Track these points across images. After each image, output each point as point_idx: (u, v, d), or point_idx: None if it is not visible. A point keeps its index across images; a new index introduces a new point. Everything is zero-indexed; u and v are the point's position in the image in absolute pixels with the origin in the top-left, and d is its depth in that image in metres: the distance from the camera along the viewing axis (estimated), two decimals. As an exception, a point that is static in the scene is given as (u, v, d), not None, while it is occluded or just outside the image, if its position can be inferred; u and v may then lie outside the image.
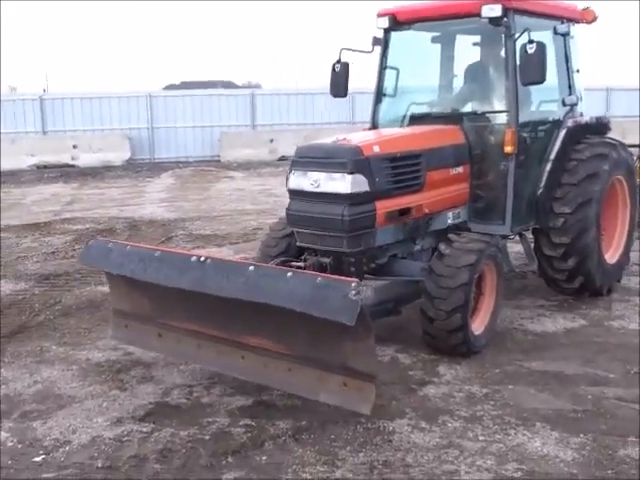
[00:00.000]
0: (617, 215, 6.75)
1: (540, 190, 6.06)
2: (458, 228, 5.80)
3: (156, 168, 19.94)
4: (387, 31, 6.30)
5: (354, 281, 3.52)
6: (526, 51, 5.24)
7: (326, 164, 4.85)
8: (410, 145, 5.28)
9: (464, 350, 4.94)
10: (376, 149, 4.93)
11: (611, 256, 6.58)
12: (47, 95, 22.35)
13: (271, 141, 21.53)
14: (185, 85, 34.24)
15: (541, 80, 5.27)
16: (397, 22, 6.20)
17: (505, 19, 5.50)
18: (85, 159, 21.06)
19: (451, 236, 5.07)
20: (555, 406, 4.22)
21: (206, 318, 4.34)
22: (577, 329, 5.65)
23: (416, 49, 6.53)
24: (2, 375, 4.91)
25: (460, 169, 5.72)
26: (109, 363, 5.06)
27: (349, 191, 4.75)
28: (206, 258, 4.18)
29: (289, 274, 3.76)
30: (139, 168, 20.02)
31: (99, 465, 3.60)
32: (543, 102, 6.39)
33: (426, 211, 5.36)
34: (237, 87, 31.40)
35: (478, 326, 5.14)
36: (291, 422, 4.02)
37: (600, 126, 6.68)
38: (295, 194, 5.08)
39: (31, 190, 16.44)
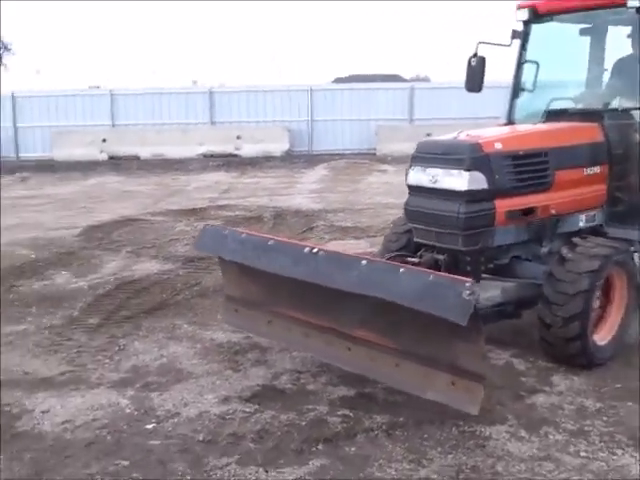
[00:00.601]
0: None
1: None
2: (593, 231, 5.49)
3: (313, 160, 20.46)
4: (527, 24, 6.06)
5: (468, 281, 3.46)
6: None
7: (444, 160, 4.79)
8: (537, 143, 5.06)
9: (583, 361, 4.68)
10: (498, 146, 4.79)
11: None
12: (216, 89, 23.62)
13: (427, 135, 21.33)
14: (352, 78, 34.76)
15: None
16: (537, 14, 5.95)
17: (653, 8, 5.10)
18: (247, 149, 22.03)
19: (576, 240, 4.81)
20: (676, 429, 3.90)
21: (315, 308, 4.45)
22: None
23: (557, 42, 6.21)
24: (135, 347, 5.33)
25: (597, 169, 5.39)
26: (229, 344, 5.33)
27: (466, 188, 4.66)
28: (318, 250, 4.28)
29: (401, 270, 3.76)
30: (296, 159, 20.65)
31: (200, 438, 3.83)
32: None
33: (553, 212, 5.11)
34: (403, 80, 31.37)
35: (603, 336, 4.85)
36: (388, 417, 4.04)
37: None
38: (414, 190, 5.06)
39: (196, 178, 17.52)
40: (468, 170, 4.65)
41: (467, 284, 3.38)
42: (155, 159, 21.62)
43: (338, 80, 35.42)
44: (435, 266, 4.95)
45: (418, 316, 3.60)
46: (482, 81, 6.16)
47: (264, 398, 4.35)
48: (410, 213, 5.11)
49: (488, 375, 3.74)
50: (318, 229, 10.07)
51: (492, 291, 5.38)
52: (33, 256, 8.68)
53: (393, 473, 3.45)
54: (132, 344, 5.41)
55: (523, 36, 6.13)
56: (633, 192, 5.47)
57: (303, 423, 4.00)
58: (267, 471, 3.48)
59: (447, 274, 3.75)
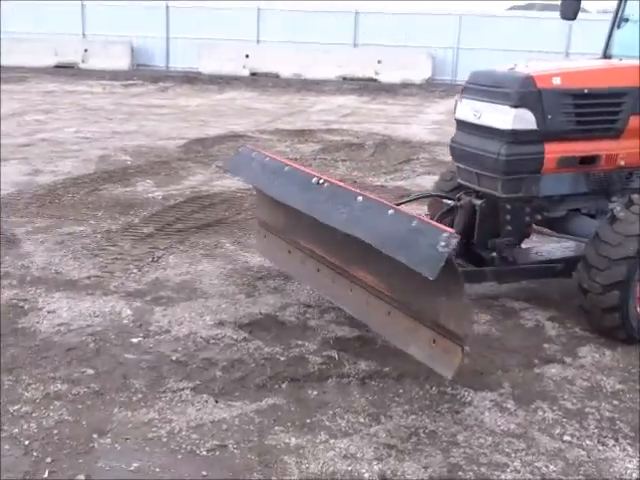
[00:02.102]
0: None
1: None
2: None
3: (452, 90, 19.44)
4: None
5: (448, 231, 3.05)
6: None
7: (491, 93, 4.26)
8: (610, 81, 4.36)
9: (621, 335, 4.10)
10: (556, 81, 4.17)
11: None
12: (361, 9, 22.95)
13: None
14: (529, 6, 32.42)
15: None
16: None
17: None
18: (387, 74, 21.41)
19: (634, 196, 4.15)
20: (699, 428, 3.32)
21: (326, 242, 4.19)
22: None
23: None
24: (168, 260, 5.36)
25: (692, 118, 4.58)
26: (258, 269, 5.21)
27: (509, 127, 4.13)
28: (324, 181, 3.98)
29: (390, 211, 3.40)
30: (434, 88, 19.80)
31: (173, 358, 3.78)
32: None
33: (622, 163, 4.44)
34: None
35: (655, 311, 4.22)
36: (373, 365, 3.77)
37: None
38: (459, 124, 4.59)
39: (324, 100, 17.29)
40: (514, 106, 4.11)
41: (444, 234, 2.97)
42: (294, 78, 21.60)
43: (515, 8, 33.21)
44: (472, 212, 4.50)
45: None
46: (578, 7, 5.39)
47: (259, 327, 4.22)
48: (453, 150, 4.65)
49: (469, 336, 3.32)
50: (416, 161, 9.60)
51: (542, 246, 4.88)
52: (129, 162, 8.98)
53: (342, 425, 3.21)
54: (168, 257, 5.43)
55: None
56: None
57: (282, 359, 3.83)
58: (217, 401, 3.36)
59: (430, 221, 3.32)
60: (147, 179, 8.12)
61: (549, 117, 4.13)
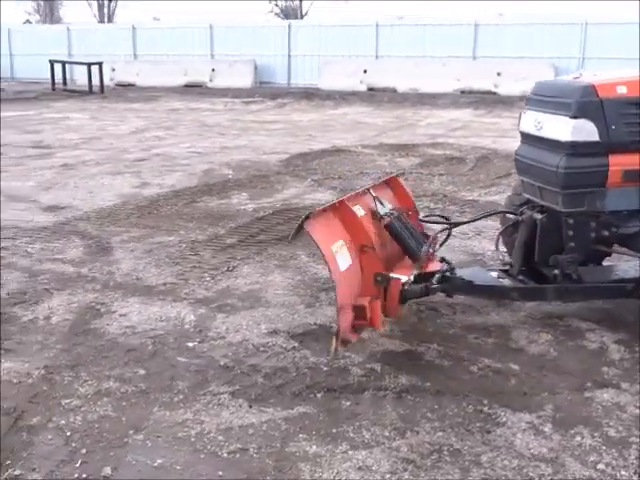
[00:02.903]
0: None
1: None
2: None
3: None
4: None
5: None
6: None
7: (552, 104, 4.13)
8: (684, 90, 4.08)
9: (689, 361, 3.83)
10: (621, 90, 3.97)
11: None
12: (481, 21, 22.60)
13: None
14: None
15: None
16: None
17: None
18: (507, 87, 21.00)
19: None
20: None
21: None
22: None
23: None
24: (242, 270, 5.56)
25: None
26: (325, 281, 5.28)
27: (569, 139, 3.98)
28: None
29: None
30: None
31: (221, 364, 3.93)
32: None
33: (699, 178, 4.14)
34: None
35: None
36: (414, 380, 3.73)
37: None
38: (523, 137, 4.49)
39: (437, 113, 17.24)
40: (574, 117, 3.95)
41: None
42: (411, 92, 21.66)
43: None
44: (533, 227, 4.37)
45: None
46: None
47: (311, 337, 4.29)
48: (517, 163, 4.55)
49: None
50: (515, 175, 9.31)
51: (613, 265, 4.66)
52: (230, 176, 9.37)
53: (365, 437, 3.22)
54: (243, 267, 5.64)
55: None
56: None
57: (325, 369, 3.88)
58: (251, 406, 3.47)
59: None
60: (243, 192, 8.44)
61: (613, 128, 3.94)
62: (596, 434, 3.26)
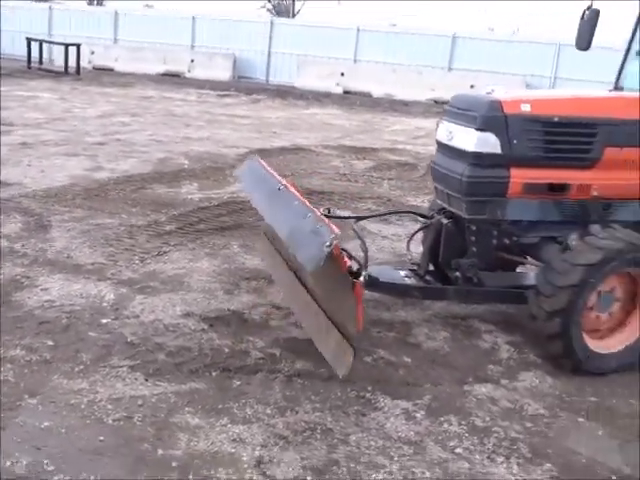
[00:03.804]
0: None
1: None
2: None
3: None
4: (652, -28, 5.10)
5: (335, 232, 3.23)
6: None
7: (462, 116, 4.37)
8: (583, 111, 4.35)
9: (568, 364, 4.09)
10: (525, 108, 4.22)
11: None
12: (459, 34, 22.94)
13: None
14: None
15: None
16: (665, -39, 4.98)
17: None
18: (478, 99, 21.26)
19: (594, 227, 4.14)
20: (604, 459, 3.30)
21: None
22: None
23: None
24: (172, 256, 5.73)
25: (680, 153, 4.49)
26: (250, 271, 5.49)
27: (473, 150, 4.22)
28: (283, 187, 4.20)
29: (296, 202, 3.65)
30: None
31: (128, 340, 4.12)
32: None
33: (595, 194, 4.41)
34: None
35: (612, 344, 4.20)
36: (308, 366, 3.95)
37: None
38: (438, 146, 4.72)
39: (405, 120, 17.47)
40: (480, 130, 4.20)
41: (332, 235, 3.14)
42: (385, 98, 21.89)
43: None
44: (440, 231, 4.62)
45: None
46: (591, 38, 5.38)
47: (222, 322, 4.49)
48: (432, 171, 4.78)
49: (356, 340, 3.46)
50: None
51: (514, 271, 4.93)
52: (185, 166, 9.53)
53: (247, 413, 3.43)
54: (174, 253, 5.82)
55: (649, -13, 5.18)
56: None
57: (227, 350, 4.09)
58: (146, 380, 3.66)
59: (324, 219, 3.45)
60: (194, 182, 8.61)
61: (515, 142, 4.19)
62: (463, 422, 3.51)
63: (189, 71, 25.09)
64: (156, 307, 4.64)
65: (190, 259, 5.69)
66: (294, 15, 47.13)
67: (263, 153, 10.89)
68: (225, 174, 9.22)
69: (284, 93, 21.46)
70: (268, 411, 3.47)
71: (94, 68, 25.12)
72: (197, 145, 11.30)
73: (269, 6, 50.86)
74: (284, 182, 4.26)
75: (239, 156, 10.51)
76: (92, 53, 25.74)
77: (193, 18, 26.11)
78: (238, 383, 3.72)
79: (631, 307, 4.23)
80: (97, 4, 50.33)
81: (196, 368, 3.83)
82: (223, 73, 24.73)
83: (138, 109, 15.54)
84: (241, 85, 23.06)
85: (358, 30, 24.10)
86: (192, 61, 25.25)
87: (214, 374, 3.80)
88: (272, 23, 25.55)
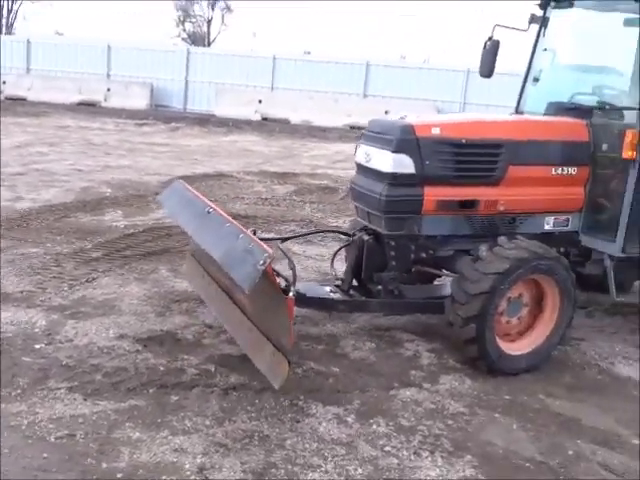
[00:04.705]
0: None
1: (685, 212, 4.95)
2: (566, 237, 5.12)
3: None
4: (543, 7, 5.62)
5: (268, 251, 3.47)
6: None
7: (378, 139, 4.69)
8: (489, 133, 4.75)
9: (483, 366, 4.43)
10: (435, 131, 4.58)
11: None
12: (372, 62, 23.72)
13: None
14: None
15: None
16: (555, -2, 5.50)
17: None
18: (393, 125, 21.97)
19: (501, 239, 4.52)
20: (518, 449, 3.62)
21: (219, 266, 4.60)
22: (673, 385, 4.59)
23: (576, 29, 5.70)
24: (102, 282, 5.80)
25: (572, 170, 4.95)
26: (180, 293, 5.63)
27: (390, 170, 4.54)
28: (213, 210, 4.39)
29: (227, 224, 3.86)
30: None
31: (63, 363, 4.19)
32: None
33: (501, 209, 4.80)
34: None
35: (522, 346, 4.57)
36: (242, 379, 4.13)
37: None
38: (357, 167, 5.02)
39: (324, 146, 17.90)
40: (395, 152, 4.52)
41: (265, 254, 3.37)
42: (303, 124, 22.33)
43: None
44: (362, 247, 4.90)
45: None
46: (493, 66, 5.84)
47: (155, 342, 4.61)
48: (352, 191, 5.07)
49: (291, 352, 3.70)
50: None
51: (432, 283, 5.25)
52: (108, 194, 9.55)
53: (187, 425, 3.58)
54: (103, 279, 5.88)
55: (541, 21, 5.70)
56: (608, 200, 4.99)
57: (162, 369, 4.22)
58: (85, 400, 3.76)
59: (256, 239, 3.69)
60: (118, 210, 8.65)
61: (427, 163, 4.53)
62: (390, 423, 3.77)
63: (105, 100, 24.88)
64: (89, 331, 4.72)
65: (120, 284, 5.77)
66: (209, 44, 47.44)
67: (186, 180, 10.92)
68: (148, 201, 9.29)
69: (203, 121, 21.58)
70: (207, 422, 3.63)
71: (6, 98, 24.56)
72: (118, 173, 11.31)
73: (184, 35, 50.97)
74: (212, 205, 4.45)
75: (161, 183, 10.58)
76: (4, 83, 25.17)
77: (109, 47, 25.96)
78: (176, 398, 3.86)
79: (538, 312, 4.62)
80: (6, 32, 49.11)
81: (133, 386, 3.95)
82: (140, 102, 24.64)
83: (55, 138, 15.35)
84: (159, 114, 23.04)
85: (274, 58, 24.55)
86: (108, 90, 25.07)
87: (151, 391, 3.92)
88: (189, 52, 25.70)
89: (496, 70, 5.84)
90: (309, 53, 32.73)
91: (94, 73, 25.75)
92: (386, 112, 22.11)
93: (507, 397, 4.21)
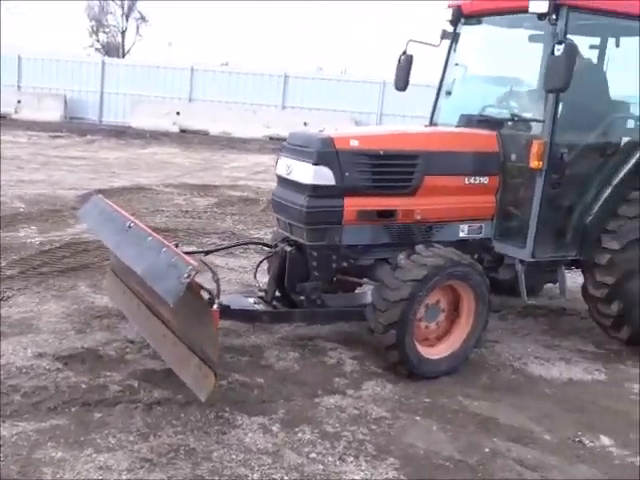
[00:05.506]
0: None
1: (590, 218, 5.25)
2: (480, 244, 5.33)
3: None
4: (454, 24, 5.86)
5: (191, 264, 3.49)
6: (552, 53, 4.59)
7: (299, 152, 4.78)
8: (404, 145, 4.93)
9: (404, 371, 4.57)
10: (353, 143, 4.71)
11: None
12: (290, 73, 23.89)
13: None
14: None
15: (563, 88, 4.59)
16: (463, 15, 5.74)
17: (554, 16, 4.82)
18: (312, 136, 22.16)
19: (418, 247, 4.67)
20: (438, 449, 3.75)
21: (142, 281, 4.57)
22: (581, 382, 4.86)
23: (485, 45, 5.96)
24: (18, 300, 5.63)
25: (484, 179, 5.18)
26: (100, 309, 5.54)
27: (310, 182, 4.63)
28: (133, 223, 4.37)
29: (149, 238, 3.86)
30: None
31: (-23, 384, 4.06)
32: (618, 118, 5.46)
33: (418, 218, 4.97)
34: None
35: (440, 350, 4.73)
36: (166, 393, 4.11)
37: None
38: (278, 179, 5.09)
39: (244, 157, 17.90)
40: (315, 164, 4.62)
41: (189, 267, 3.40)
42: (222, 136, 22.24)
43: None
44: (284, 258, 4.96)
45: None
46: (408, 80, 6.03)
47: (76, 360, 4.53)
48: (273, 202, 5.13)
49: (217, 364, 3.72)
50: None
51: (354, 292, 5.36)
52: (21, 210, 9.25)
53: (111, 442, 3.54)
54: (19, 297, 5.71)
55: (452, 37, 5.93)
56: (518, 208, 5.24)
57: (84, 386, 4.15)
58: (4, 421, 3.66)
59: (179, 251, 3.72)
60: (32, 225, 8.41)
61: (346, 174, 4.65)
62: (315, 430, 3.83)
63: (16, 112, 24.07)
64: (5, 351, 4.59)
65: (37, 302, 5.63)
66: (124, 54, 46.60)
67: (103, 194, 10.72)
68: (64, 216, 9.07)
69: (120, 133, 21.21)
70: (131, 438, 3.60)
71: None
72: (32, 188, 10.98)
73: (98, 45, 49.87)
74: (133, 219, 4.43)
75: (78, 197, 10.36)
76: None
77: (19, 57, 25.13)
78: (99, 415, 3.81)
79: (455, 317, 4.79)
80: None
81: (54, 405, 3.87)
82: (53, 114, 23.95)
83: (-38, 153, 14.75)
84: (73, 126, 22.48)
85: (192, 70, 24.36)
86: (19, 102, 24.26)
87: (74, 409, 3.86)
88: (103, 63, 25.18)
89: (412, 82, 6.04)
90: (227, 64, 32.70)
91: (4, 84, 24.83)
92: (305, 123, 22.30)
93: (427, 400, 4.35)
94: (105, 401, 3.98)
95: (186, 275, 3.35)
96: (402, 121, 21.66)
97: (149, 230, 4.17)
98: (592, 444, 3.95)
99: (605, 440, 4.00)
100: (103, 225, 4.74)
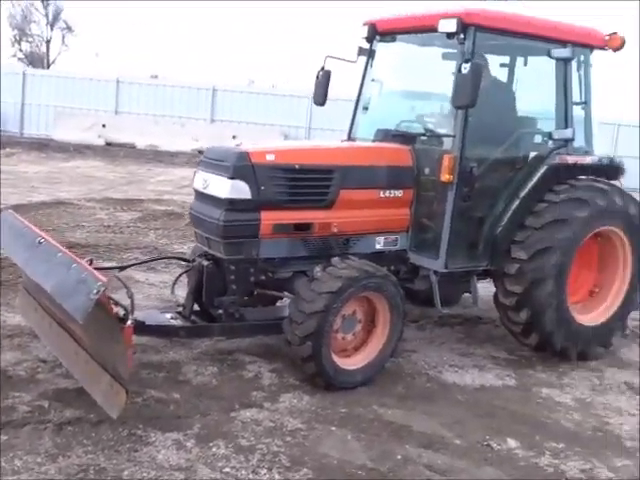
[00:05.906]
0: (615, 273, 5.85)
1: (499, 230, 5.44)
2: (396, 256, 5.44)
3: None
4: (369, 41, 5.99)
5: (101, 280, 3.45)
6: (460, 71, 4.76)
7: (215, 166, 4.79)
8: (320, 159, 5.01)
9: (321, 382, 4.62)
10: (270, 158, 4.75)
11: (594, 318, 5.74)
12: (218, 87, 23.84)
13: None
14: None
15: (470, 105, 4.76)
16: (378, 32, 5.88)
17: (462, 36, 5.00)
18: (240, 149, 22.14)
19: (334, 260, 4.74)
20: (351, 458, 3.80)
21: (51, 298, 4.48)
22: (492, 388, 5.02)
23: (400, 61, 6.13)
24: None
25: (399, 192, 5.30)
26: (12, 328, 5.35)
27: (227, 196, 4.65)
28: (43, 239, 4.29)
29: (59, 254, 3.80)
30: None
31: None
32: (526, 134, 5.69)
33: (335, 230, 5.04)
34: None
35: (357, 361, 4.80)
36: (78, 413, 4.03)
37: (607, 168, 5.84)
38: (195, 194, 5.09)
39: (170, 171, 17.72)
40: (231, 178, 4.63)
41: (98, 283, 3.36)
42: (149, 149, 21.97)
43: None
44: (202, 272, 4.94)
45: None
46: (326, 94, 6.13)
47: (-17, 381, 4.39)
48: (190, 216, 5.13)
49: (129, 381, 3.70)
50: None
51: (272, 305, 5.39)
52: None
53: (17, 465, 3.45)
54: None
55: (368, 53, 6.06)
56: (431, 220, 5.38)
57: (-11, 406, 4.02)
58: None
59: (90, 267, 3.69)
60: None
61: (262, 188, 4.68)
62: (230, 445, 3.83)
63: None
64: None
65: (-55, 321, 5.43)
66: (49, 65, 45.46)
67: (21, 208, 10.49)
68: (-20, 232, 8.76)
69: (41, 146, 20.65)
70: (39, 460, 3.52)
71: None
72: (-55, 203, 10.57)
73: (21, 55, 48.50)
74: (44, 235, 4.35)
75: (-5, 213, 10.02)
76: None
77: None
78: (5, 438, 3.70)
79: (371, 327, 4.88)
80: None
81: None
82: (-29, 126, 23.17)
83: None
84: (-8, 138, 21.77)
85: (118, 82, 23.99)
86: None
87: (-29, 429, 3.74)
88: (24, 74, 24.51)
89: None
90: (156, 77, 32.33)
91: None
92: (234, 137, 22.28)
93: (343, 410, 4.40)
94: (12, 422, 3.87)
95: (95, 291, 3.32)
96: (331, 135, 21.89)
97: (60, 246, 4.10)
98: (499, 447, 4.09)
99: (512, 443, 4.14)
100: (13, 241, 4.62)
